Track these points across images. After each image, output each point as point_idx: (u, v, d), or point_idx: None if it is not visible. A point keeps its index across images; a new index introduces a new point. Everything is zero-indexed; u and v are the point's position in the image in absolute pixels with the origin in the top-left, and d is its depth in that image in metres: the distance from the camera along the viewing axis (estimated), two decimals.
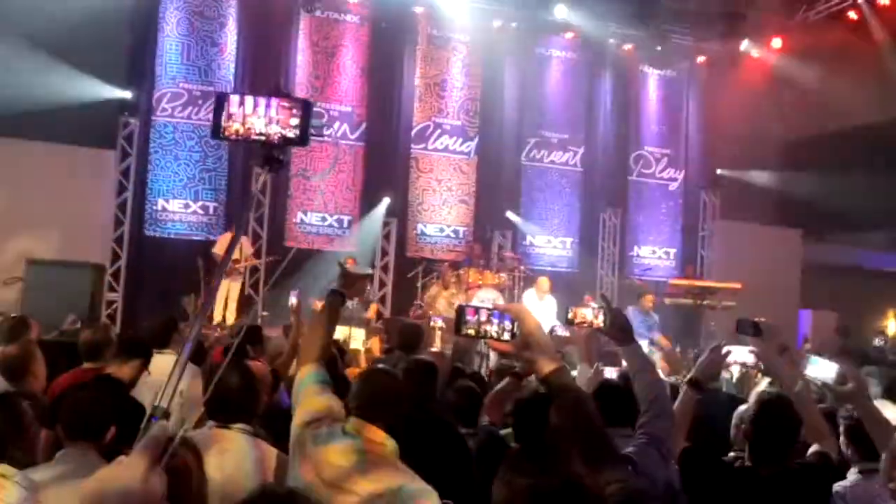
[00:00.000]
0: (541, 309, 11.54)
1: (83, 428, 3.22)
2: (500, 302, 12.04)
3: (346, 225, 13.25)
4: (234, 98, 2.00)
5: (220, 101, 2.00)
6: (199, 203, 12.45)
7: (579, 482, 1.76)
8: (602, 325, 2.97)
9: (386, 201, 13.32)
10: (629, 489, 1.76)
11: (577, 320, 3.17)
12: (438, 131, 13.98)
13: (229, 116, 1.99)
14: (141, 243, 12.21)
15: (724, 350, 3.32)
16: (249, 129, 2.00)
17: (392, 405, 2.80)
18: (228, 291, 11.42)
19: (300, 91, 12.94)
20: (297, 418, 2.81)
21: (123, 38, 11.99)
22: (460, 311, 2.13)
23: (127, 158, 12.31)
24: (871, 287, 15.69)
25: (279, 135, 2.01)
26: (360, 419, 2.73)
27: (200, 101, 12.38)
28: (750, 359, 6.59)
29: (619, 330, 2.94)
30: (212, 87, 12.41)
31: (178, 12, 12.44)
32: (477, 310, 2.12)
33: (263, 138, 2.01)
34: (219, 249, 11.22)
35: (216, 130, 1.99)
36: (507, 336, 2.07)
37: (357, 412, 2.76)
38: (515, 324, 2.06)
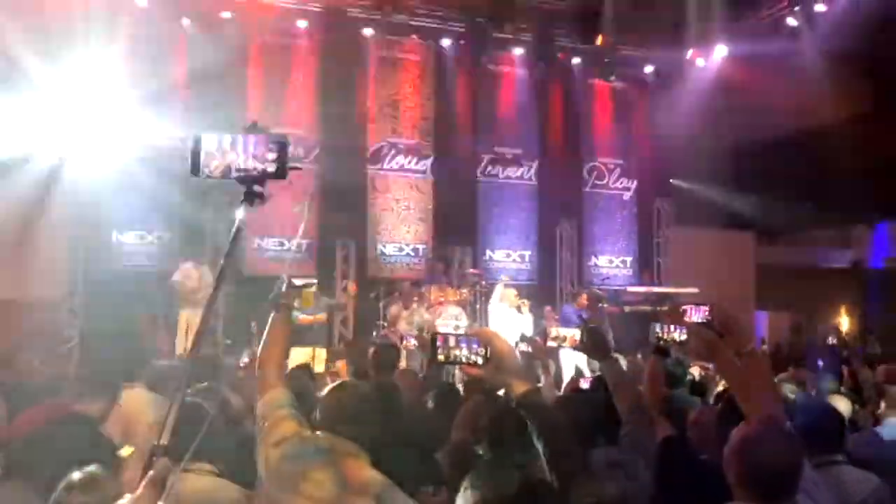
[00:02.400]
0: (520, 323, 11.62)
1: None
2: (464, 318, 12.11)
3: (304, 249, 13.19)
4: (212, 137, 2.04)
5: (197, 140, 2.04)
6: (154, 234, 12.32)
7: (535, 483, 1.81)
8: (579, 341, 3.03)
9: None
10: (604, 500, 1.81)
11: (553, 338, 3.24)
12: (393, 151, 14.04)
13: (208, 155, 2.02)
14: (97, 276, 12.01)
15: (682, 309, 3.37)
16: (228, 165, 2.04)
17: (362, 418, 2.83)
18: (188, 323, 11.27)
19: (252, 115, 12.86)
20: (269, 439, 2.81)
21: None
22: (432, 339, 2.18)
23: (80, 193, 12.10)
24: (824, 285, 16.07)
25: (259, 170, 2.05)
26: (329, 433, 2.77)
27: (152, 127, 12.22)
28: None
29: (596, 346, 3.00)
30: (164, 115, 12.25)
31: (125, 41, 12.29)
32: (446, 336, 2.17)
33: (243, 174, 2.05)
34: (179, 278, 11.09)
35: (195, 168, 2.03)
36: (479, 360, 2.12)
37: (326, 426, 2.79)
38: (487, 348, 2.11)
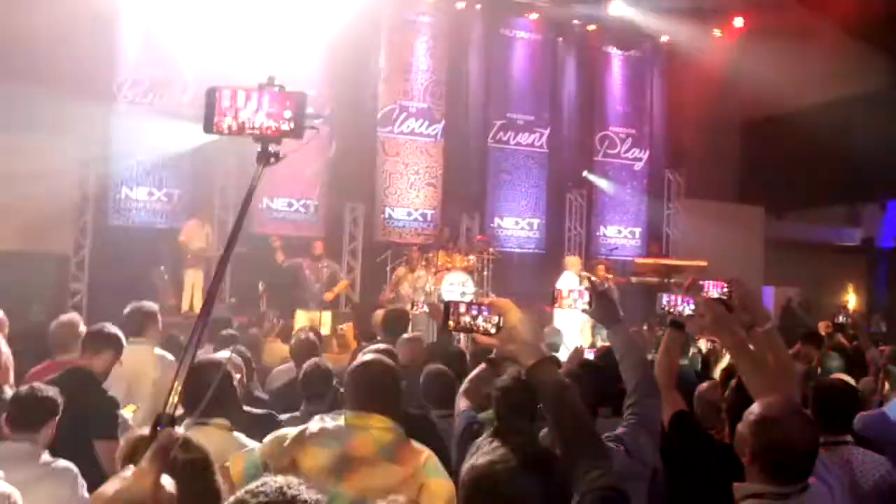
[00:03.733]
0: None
1: (21, 420, 3.31)
2: (470, 284, 12.10)
3: (312, 210, 13.17)
4: (226, 92, 1.97)
5: (211, 95, 1.96)
6: (163, 191, 12.30)
7: (541, 454, 1.80)
8: (588, 306, 2.99)
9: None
10: (609, 476, 1.80)
11: (562, 302, 3.21)
12: (405, 114, 13.93)
13: (221, 111, 1.95)
14: (106, 232, 12.01)
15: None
16: (242, 123, 1.97)
17: (390, 393, 2.85)
18: (194, 281, 11.30)
19: (264, 78, 12.77)
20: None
21: (82, 23, 11.71)
22: (447, 306, 2.16)
23: (89, 146, 12.06)
24: (832, 262, 16.00)
25: (273, 128, 1.98)
26: (361, 412, 2.77)
27: (162, 89, 12.18)
28: None
29: (605, 311, 2.96)
30: (175, 73, 12.20)
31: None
32: (458, 304, 2.15)
33: (257, 132, 1.98)
34: (185, 238, 11.09)
35: (208, 125, 1.96)
36: (492, 330, 2.10)
37: (356, 405, 2.79)
38: (500, 318, 2.09)
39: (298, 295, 10.62)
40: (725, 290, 2.98)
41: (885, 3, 12.25)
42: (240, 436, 3.22)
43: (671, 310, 3.33)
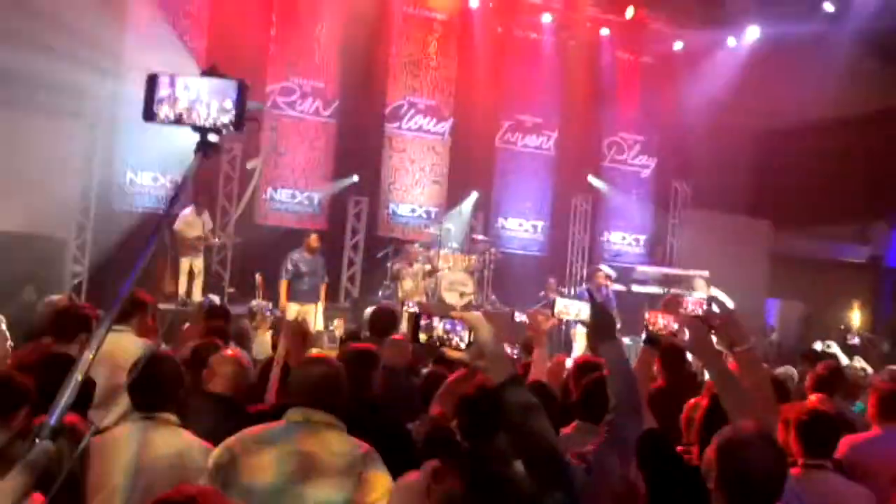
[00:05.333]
0: None
1: None
2: (471, 285, 12.07)
3: (316, 202, 13.14)
4: (164, 79, 1.91)
5: (151, 82, 1.91)
6: (168, 176, 12.28)
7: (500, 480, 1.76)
8: (585, 317, 2.95)
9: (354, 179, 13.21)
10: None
11: (559, 312, 3.19)
12: (413, 111, 13.90)
13: (160, 99, 1.90)
14: (108, 217, 11.99)
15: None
16: (180, 112, 1.91)
17: (332, 393, 2.86)
18: (191, 267, 11.28)
19: (273, 66, 12.79)
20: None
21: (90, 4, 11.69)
22: (415, 318, 2.13)
23: (95, 130, 12.05)
24: (838, 278, 15.88)
25: (213, 119, 1.92)
26: (305, 408, 2.78)
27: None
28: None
29: (602, 325, 2.92)
30: (185, 56, 12.17)
31: None
32: (431, 317, 2.13)
33: (195, 122, 1.92)
34: (180, 226, 11.05)
35: (147, 112, 1.91)
36: (463, 345, 2.08)
37: (301, 402, 2.79)
38: (471, 332, 2.06)
39: (295, 287, 10.57)
40: (704, 307, 2.92)
41: None
42: (185, 432, 3.18)
43: (650, 326, 3.28)
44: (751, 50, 14.51)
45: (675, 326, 3.06)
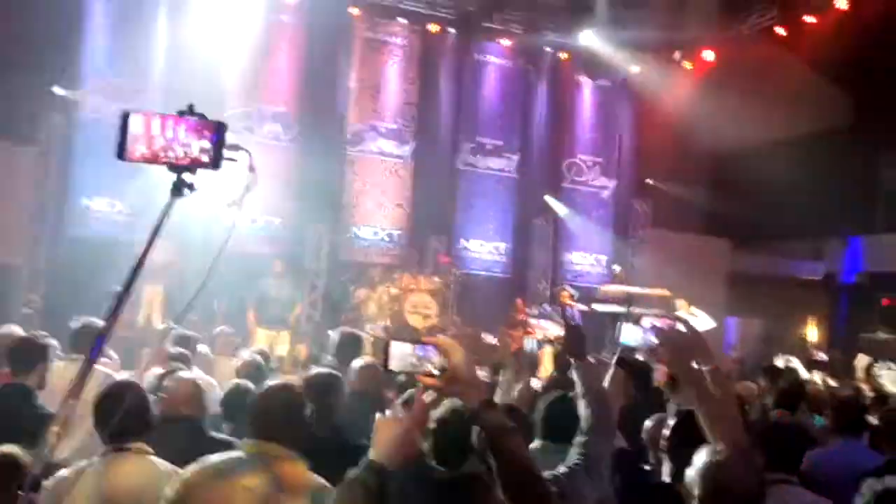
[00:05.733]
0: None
1: None
2: (435, 307, 12.05)
3: (277, 227, 13.03)
4: (138, 118, 1.88)
5: (124, 120, 1.87)
6: (125, 202, 12.11)
7: None
8: (560, 337, 2.96)
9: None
10: None
11: (534, 330, 3.18)
12: (374, 134, 13.90)
13: (134, 137, 1.86)
14: (62, 243, 11.78)
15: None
16: (156, 151, 1.88)
17: (292, 422, 2.78)
18: (152, 296, 11.11)
19: (232, 92, 12.72)
20: None
21: (44, 29, 11.55)
22: (386, 346, 2.10)
23: (48, 155, 11.85)
24: (795, 295, 16.13)
25: (189, 158, 1.89)
26: (259, 440, 2.69)
27: (128, 97, 12.02)
28: None
29: (576, 345, 2.92)
30: (141, 83, 12.11)
31: (106, 4, 12.09)
32: (405, 345, 2.10)
33: (172, 162, 1.89)
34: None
35: (120, 151, 1.87)
36: (435, 370, 2.05)
37: (255, 433, 2.72)
38: (444, 358, 2.04)
39: (262, 312, 10.50)
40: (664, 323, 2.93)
41: (849, 43, 12.46)
42: (159, 461, 3.10)
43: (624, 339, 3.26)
44: (705, 72, 14.77)
45: (655, 341, 3.04)
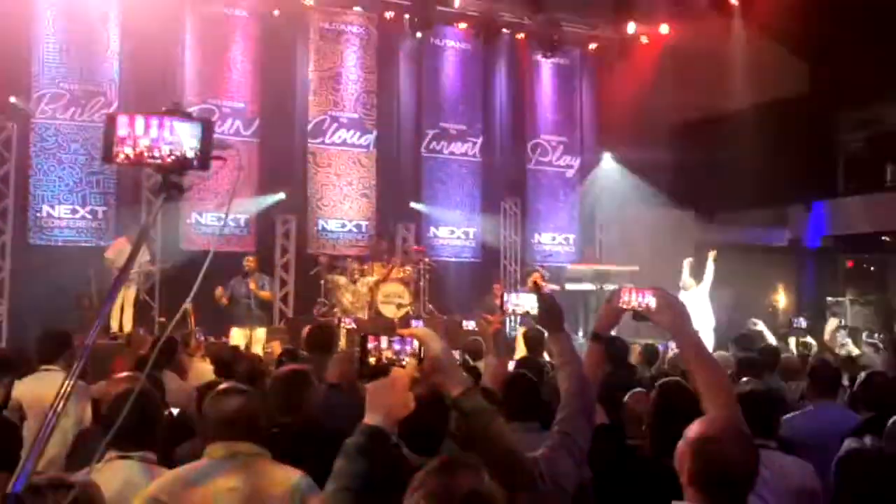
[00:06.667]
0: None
1: None
2: (407, 296, 12.03)
3: (243, 224, 12.93)
4: (123, 119, 1.82)
5: (110, 122, 1.82)
6: (88, 208, 11.94)
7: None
8: (535, 311, 2.92)
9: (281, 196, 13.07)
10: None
11: (507, 306, 3.15)
12: (335, 125, 13.80)
13: (119, 139, 1.81)
14: (25, 252, 11.57)
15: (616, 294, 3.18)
16: (141, 152, 1.83)
17: (251, 422, 2.74)
18: (123, 298, 10.97)
19: (189, 89, 12.56)
20: None
21: None
22: (363, 340, 2.10)
23: (5, 164, 11.63)
24: (762, 262, 16.32)
25: (176, 158, 1.84)
26: (224, 441, 2.67)
27: (83, 102, 11.87)
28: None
29: (550, 317, 2.88)
30: (95, 86, 11.94)
31: (54, 8, 11.86)
32: (378, 338, 2.09)
33: (158, 162, 1.84)
34: (111, 255, 10.73)
35: (107, 154, 1.82)
36: (413, 362, 2.07)
37: (218, 436, 2.69)
38: (421, 349, 2.05)
39: (232, 312, 10.42)
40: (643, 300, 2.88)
41: (804, 12, 12.59)
42: (156, 470, 3.03)
43: (626, 307, 3.17)
44: (663, 46, 14.84)
45: (653, 305, 2.97)
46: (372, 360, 2.11)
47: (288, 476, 2.68)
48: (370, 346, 2.11)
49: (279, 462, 2.75)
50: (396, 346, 2.09)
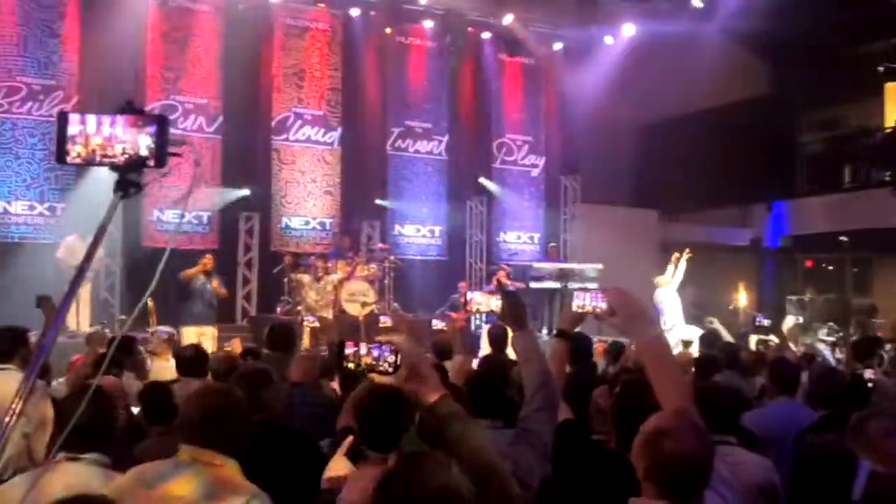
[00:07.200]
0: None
1: None
2: (371, 295, 11.98)
3: (206, 221, 12.79)
4: (75, 117, 1.78)
5: (61, 121, 1.78)
6: (46, 204, 11.73)
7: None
8: (498, 309, 2.92)
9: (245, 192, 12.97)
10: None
11: (471, 305, 3.15)
12: (299, 122, 13.71)
13: (71, 138, 1.77)
14: None
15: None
16: (93, 150, 1.79)
17: (229, 425, 2.65)
18: (80, 298, 10.76)
19: (151, 84, 12.40)
20: None
21: None
22: (340, 346, 2.14)
23: None
24: (724, 262, 16.52)
25: (131, 156, 1.81)
26: (193, 446, 2.59)
27: (42, 97, 11.66)
28: None
29: (514, 314, 2.89)
30: (53, 80, 11.74)
31: (13, 2, 11.63)
32: (357, 344, 2.11)
33: (112, 161, 1.81)
34: (62, 254, 10.52)
35: (60, 154, 1.78)
36: (389, 368, 2.09)
37: (189, 439, 2.61)
38: (397, 355, 2.08)
39: (188, 309, 10.29)
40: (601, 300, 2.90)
41: (765, 14, 12.77)
42: (103, 473, 2.95)
43: (581, 310, 3.19)
44: (627, 47, 14.96)
45: (604, 306, 2.99)
46: (351, 365, 2.13)
47: (244, 491, 2.56)
48: (349, 351, 2.14)
49: (243, 470, 2.65)
50: (375, 353, 2.11)
